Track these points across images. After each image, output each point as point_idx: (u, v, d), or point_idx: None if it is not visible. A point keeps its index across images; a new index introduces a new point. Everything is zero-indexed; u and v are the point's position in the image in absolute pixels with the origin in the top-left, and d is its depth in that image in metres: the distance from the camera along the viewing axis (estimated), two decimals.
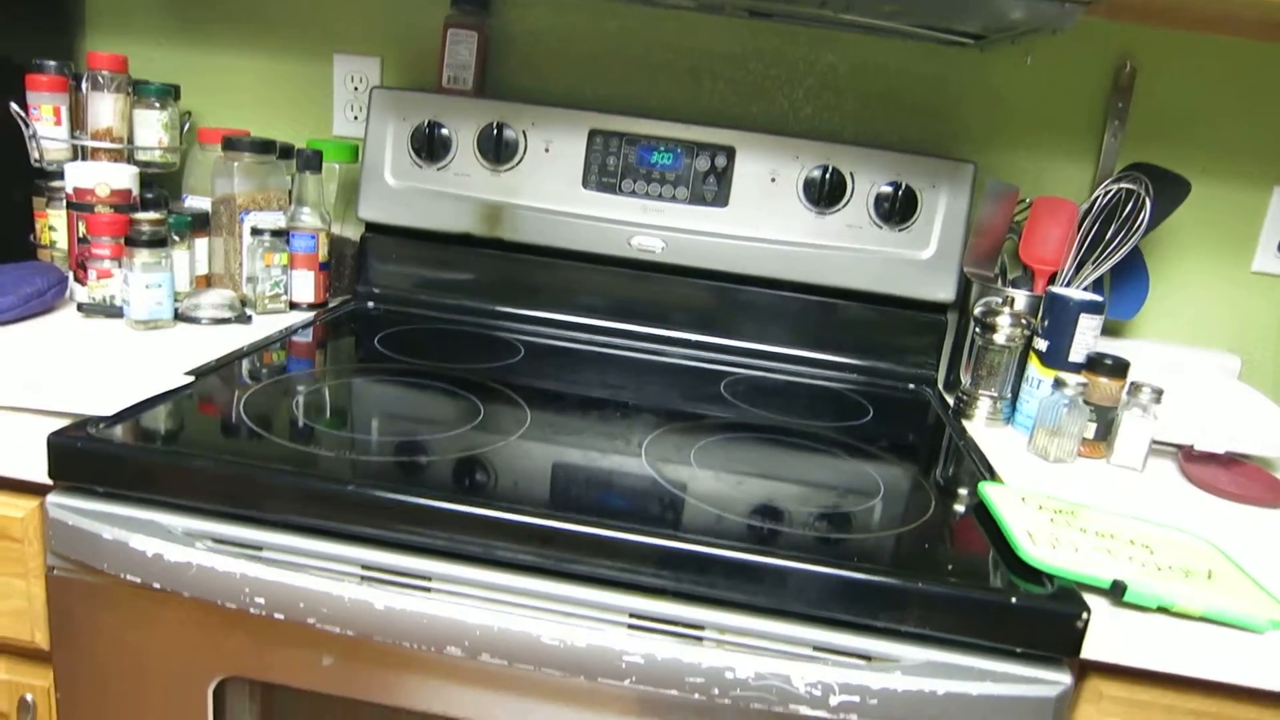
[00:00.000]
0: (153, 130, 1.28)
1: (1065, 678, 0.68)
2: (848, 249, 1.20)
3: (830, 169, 1.19)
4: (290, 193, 1.26)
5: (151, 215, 1.14)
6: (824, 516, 0.78)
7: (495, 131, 1.23)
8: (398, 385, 1.00)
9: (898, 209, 1.18)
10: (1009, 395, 1.12)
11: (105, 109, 1.24)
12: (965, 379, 1.15)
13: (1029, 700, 0.66)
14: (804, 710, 0.65)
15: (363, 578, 0.73)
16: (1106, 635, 0.69)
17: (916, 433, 1.06)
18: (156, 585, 0.72)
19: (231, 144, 1.21)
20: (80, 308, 1.14)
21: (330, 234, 1.26)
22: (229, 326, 1.16)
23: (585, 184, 1.23)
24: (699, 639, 0.69)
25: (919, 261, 1.19)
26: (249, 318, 1.19)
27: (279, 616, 0.70)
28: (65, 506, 0.76)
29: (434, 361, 1.08)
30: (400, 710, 0.76)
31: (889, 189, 1.19)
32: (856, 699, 0.65)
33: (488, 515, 0.71)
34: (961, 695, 0.65)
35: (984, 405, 1.12)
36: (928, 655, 0.68)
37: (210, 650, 0.77)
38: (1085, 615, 0.67)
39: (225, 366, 0.99)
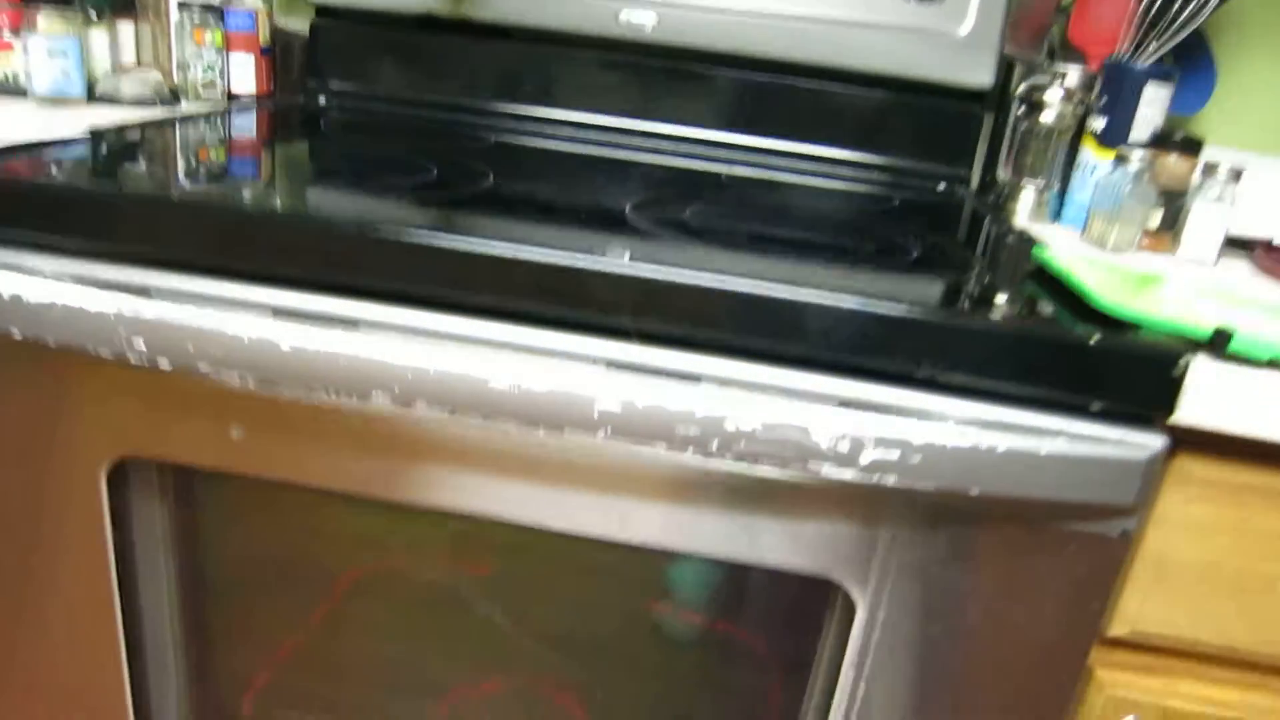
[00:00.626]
0: None
1: (1156, 440, 0.54)
2: (868, 24, 1.02)
3: None
4: None
5: None
6: (851, 262, 0.63)
7: None
8: (337, 150, 0.84)
9: None
10: (1056, 185, 0.97)
11: None
12: (1005, 172, 0.99)
13: (1112, 463, 0.52)
14: (827, 469, 0.52)
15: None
16: (1203, 400, 0.55)
17: (950, 222, 0.90)
18: (15, 332, 0.58)
19: None
20: None
21: (271, 17, 1.09)
22: (154, 109, 0.99)
23: None
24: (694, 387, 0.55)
25: (952, 40, 1.02)
26: (177, 100, 1.03)
27: (164, 365, 0.56)
28: None
29: (385, 145, 0.92)
30: (331, 494, 0.62)
31: None
32: (895, 455, 0.51)
33: (427, 244, 0.56)
34: (1026, 454, 0.51)
35: (1028, 196, 0.97)
36: (982, 412, 0.54)
37: (98, 425, 0.63)
38: (1185, 359, 0.53)
39: (136, 128, 0.83)
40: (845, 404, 0.55)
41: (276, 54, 1.13)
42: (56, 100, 0.94)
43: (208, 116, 0.96)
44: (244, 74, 1.08)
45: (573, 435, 0.53)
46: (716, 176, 0.99)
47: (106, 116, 0.90)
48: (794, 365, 0.55)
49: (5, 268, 0.59)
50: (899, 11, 1.02)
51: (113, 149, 0.69)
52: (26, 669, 0.71)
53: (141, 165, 0.69)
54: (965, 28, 1.02)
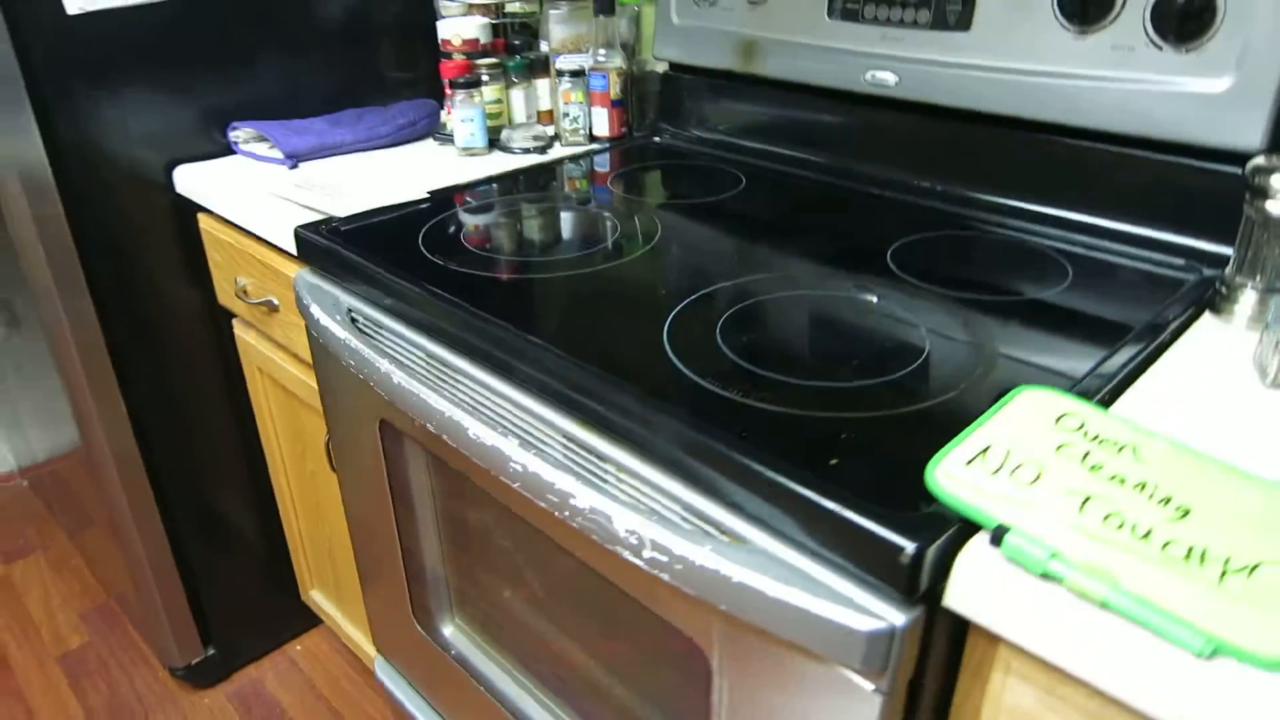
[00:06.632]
0: None
1: (894, 617, 0.56)
2: (1113, 79, 0.91)
3: None
4: None
5: (488, 60, 1.38)
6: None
7: None
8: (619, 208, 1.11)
9: (1186, 22, 0.85)
10: None
11: None
12: (1231, 267, 0.83)
13: (834, 625, 0.57)
14: (624, 553, 0.66)
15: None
16: (975, 593, 0.54)
17: (1101, 317, 0.81)
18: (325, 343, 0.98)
19: None
20: (434, 137, 1.46)
21: (625, 71, 1.37)
22: (530, 156, 1.37)
23: (830, 13, 1.13)
24: (577, 465, 0.73)
25: (1211, 96, 0.86)
26: (545, 149, 1.38)
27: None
28: (304, 279, 1.07)
29: (666, 193, 1.16)
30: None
31: None
32: (664, 558, 0.63)
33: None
34: (754, 591, 0.59)
35: (1247, 301, 0.80)
36: (765, 543, 0.62)
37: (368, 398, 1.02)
38: (910, 548, 0.54)
39: (466, 189, 1.20)
40: (674, 499, 0.67)
41: (632, 103, 1.41)
42: (469, 151, 1.37)
43: (538, 169, 1.30)
44: (600, 122, 1.39)
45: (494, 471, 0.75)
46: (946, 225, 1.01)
47: (489, 165, 1.30)
48: (652, 460, 0.69)
49: (326, 304, 1.00)
50: (1147, 62, 0.90)
51: (427, 217, 1.07)
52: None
53: (443, 234, 1.04)
54: (1225, 83, 0.86)
